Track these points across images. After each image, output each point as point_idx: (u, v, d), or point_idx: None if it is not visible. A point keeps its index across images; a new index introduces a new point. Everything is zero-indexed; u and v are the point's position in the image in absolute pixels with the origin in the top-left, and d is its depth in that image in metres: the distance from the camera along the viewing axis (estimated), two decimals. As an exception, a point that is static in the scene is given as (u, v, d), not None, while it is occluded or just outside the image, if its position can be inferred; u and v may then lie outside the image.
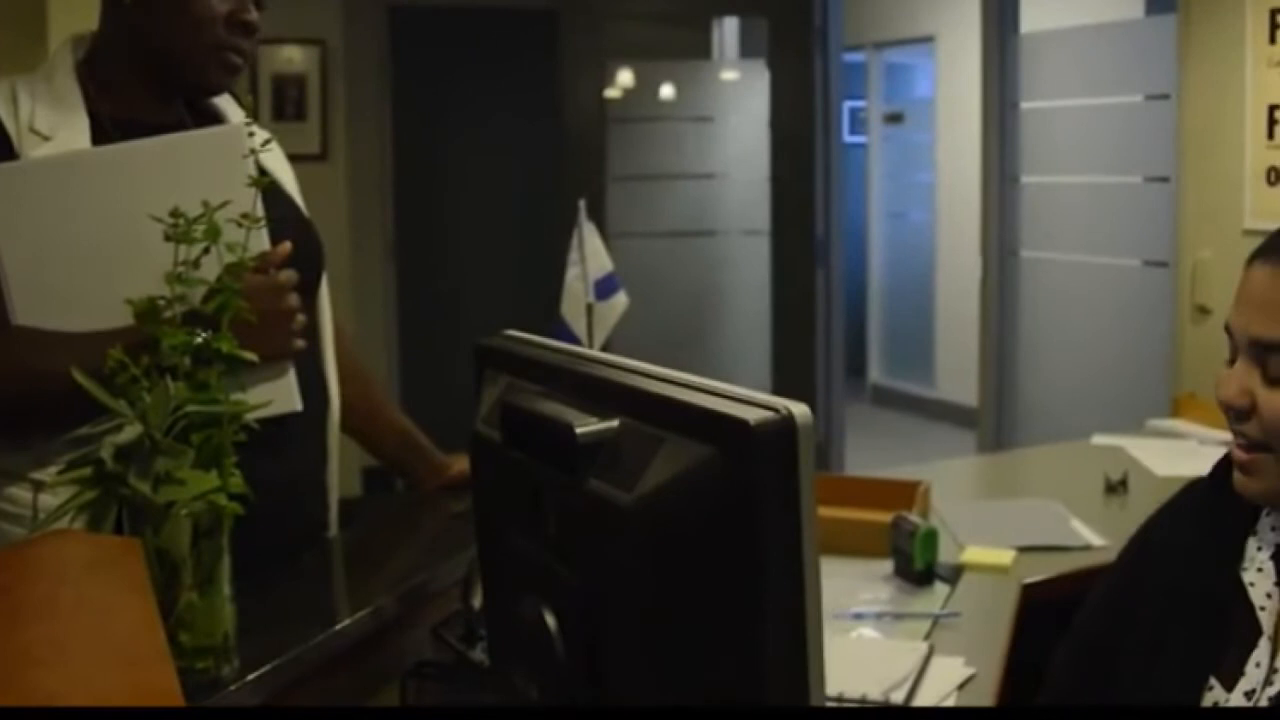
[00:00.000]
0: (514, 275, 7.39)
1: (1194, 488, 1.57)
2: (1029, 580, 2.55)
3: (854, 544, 2.63)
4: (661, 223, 7.28)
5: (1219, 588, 1.45)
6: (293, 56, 6.25)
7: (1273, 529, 1.46)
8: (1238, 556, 1.46)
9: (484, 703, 1.62)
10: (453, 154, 7.64)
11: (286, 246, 1.82)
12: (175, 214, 1.59)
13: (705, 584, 0.85)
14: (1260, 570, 1.44)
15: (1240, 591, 1.44)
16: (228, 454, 1.53)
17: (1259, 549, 1.45)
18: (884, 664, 2.05)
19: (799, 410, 0.80)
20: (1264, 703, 1.36)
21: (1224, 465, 1.50)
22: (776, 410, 0.81)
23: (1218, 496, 1.50)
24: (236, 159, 1.76)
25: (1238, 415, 1.40)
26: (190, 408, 1.50)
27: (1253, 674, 1.39)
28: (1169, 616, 1.49)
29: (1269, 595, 1.41)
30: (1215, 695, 1.41)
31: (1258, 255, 1.42)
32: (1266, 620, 1.40)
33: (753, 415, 0.81)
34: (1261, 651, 1.39)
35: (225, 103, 2.07)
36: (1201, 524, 1.52)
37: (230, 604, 1.54)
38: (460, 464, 2.30)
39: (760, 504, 0.81)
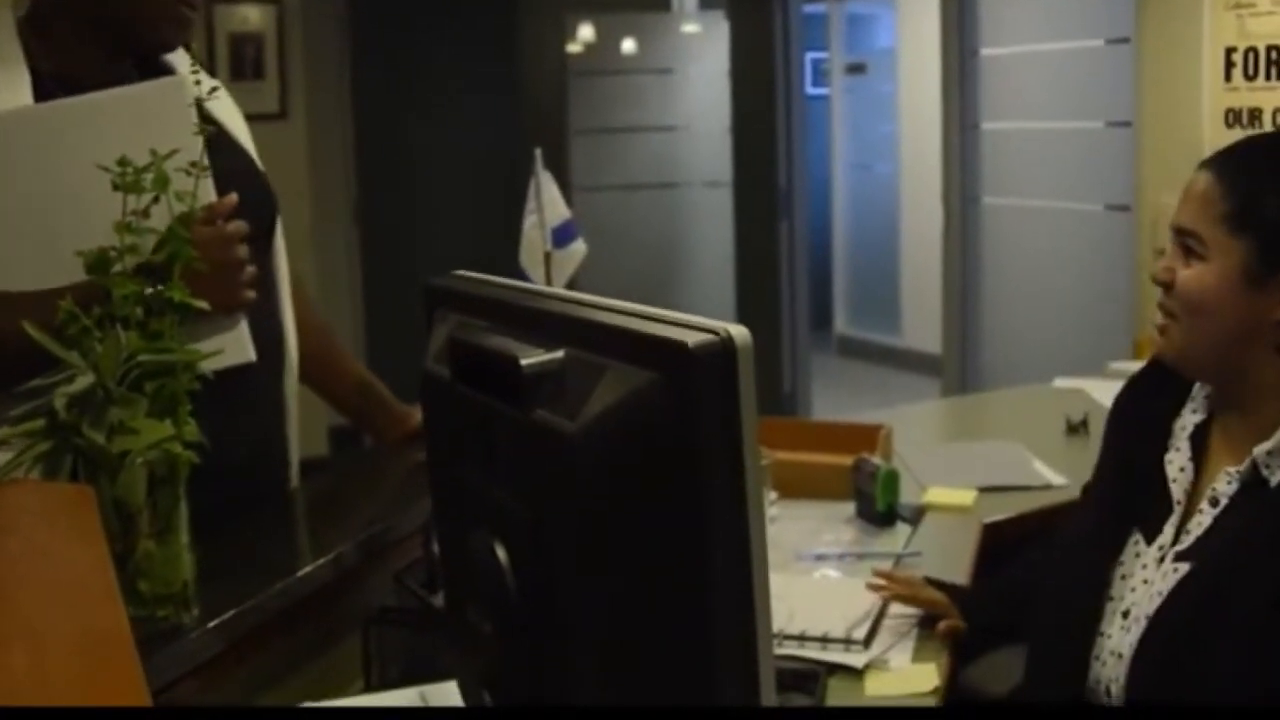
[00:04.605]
0: (477, 231, 7.36)
1: (1144, 375, 1.87)
2: (990, 519, 2.58)
3: (816, 487, 2.65)
4: (624, 175, 7.27)
5: (1147, 462, 1.76)
6: (249, 15, 6.19)
7: (1193, 412, 1.76)
8: (1166, 434, 1.77)
9: (445, 647, 1.63)
10: (414, 110, 7.60)
11: (233, 198, 1.80)
12: (123, 163, 1.58)
13: (651, 507, 0.85)
14: (1178, 449, 1.74)
15: (1161, 467, 1.75)
16: (182, 402, 1.53)
17: (1182, 429, 1.76)
18: (846, 603, 2.07)
19: (738, 331, 0.81)
20: (1170, 558, 1.67)
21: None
22: (716, 333, 0.81)
23: (1155, 384, 1.82)
24: (179, 111, 1.75)
25: (1163, 288, 1.71)
26: (143, 357, 1.49)
27: (1168, 533, 1.70)
28: (1114, 483, 1.83)
29: (1181, 469, 1.72)
30: (1139, 547, 1.73)
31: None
32: (1178, 490, 1.71)
33: (692, 338, 0.81)
34: (1176, 516, 1.70)
35: (178, 58, 2.05)
36: (1142, 406, 1.84)
37: (189, 552, 1.54)
38: (414, 414, 2.30)
39: (702, 425, 0.81)
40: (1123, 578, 1.72)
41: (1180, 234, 1.69)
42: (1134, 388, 1.87)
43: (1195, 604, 1.60)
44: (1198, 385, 1.77)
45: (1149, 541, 1.71)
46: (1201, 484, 1.71)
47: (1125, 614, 1.69)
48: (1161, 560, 1.68)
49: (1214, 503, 1.66)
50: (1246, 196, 1.63)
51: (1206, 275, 1.65)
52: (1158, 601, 1.64)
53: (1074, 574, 1.80)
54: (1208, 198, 1.66)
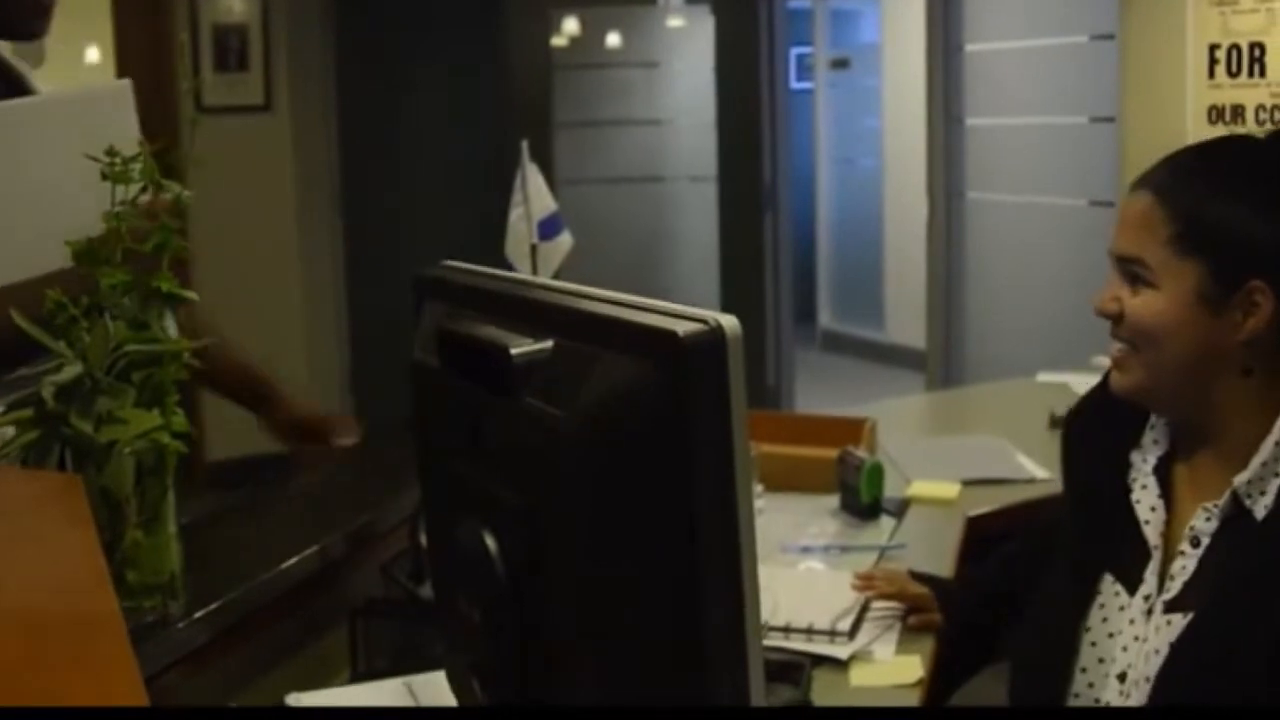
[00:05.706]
0: (463, 223, 7.36)
1: (1092, 396, 1.74)
2: (974, 513, 2.59)
3: (801, 480, 2.66)
4: (609, 169, 7.28)
5: (1111, 500, 1.64)
6: (233, 6, 6.17)
7: (1155, 442, 1.63)
8: (1125, 468, 1.64)
9: (433, 638, 1.63)
10: (399, 102, 7.59)
11: (166, 198, 1.76)
12: (111, 152, 1.57)
13: (641, 495, 0.86)
14: (1145, 487, 1.61)
15: (1129, 506, 1.62)
16: (170, 392, 1.53)
17: (1144, 461, 1.63)
18: (831, 596, 2.08)
19: (728, 321, 0.81)
20: (1159, 608, 1.53)
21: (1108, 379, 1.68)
22: (705, 322, 0.82)
23: (1106, 409, 1.68)
24: (124, 114, 1.74)
25: (1111, 320, 1.61)
26: (131, 346, 1.49)
27: (1150, 581, 1.57)
28: (1079, 524, 1.69)
29: (1153, 509, 1.59)
30: (1121, 600, 1.59)
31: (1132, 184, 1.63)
32: (1152, 534, 1.58)
33: (682, 327, 0.82)
34: (1155, 562, 1.57)
35: (18, 60, 2.01)
36: (1095, 435, 1.71)
37: (176, 542, 1.54)
38: (313, 406, 2.34)
39: (692, 414, 0.82)
40: (1110, 635, 1.58)
41: (1123, 261, 1.58)
42: (1082, 416, 1.75)
43: (1200, 660, 1.47)
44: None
45: (1130, 591, 1.58)
46: (1174, 522, 1.58)
47: (1121, 677, 1.55)
48: (1149, 612, 1.55)
49: (1194, 543, 1.53)
50: (1191, 215, 1.53)
51: (1158, 303, 1.54)
52: (1157, 661, 1.50)
53: (1045, 622, 1.67)
54: (1149, 220, 1.55)
